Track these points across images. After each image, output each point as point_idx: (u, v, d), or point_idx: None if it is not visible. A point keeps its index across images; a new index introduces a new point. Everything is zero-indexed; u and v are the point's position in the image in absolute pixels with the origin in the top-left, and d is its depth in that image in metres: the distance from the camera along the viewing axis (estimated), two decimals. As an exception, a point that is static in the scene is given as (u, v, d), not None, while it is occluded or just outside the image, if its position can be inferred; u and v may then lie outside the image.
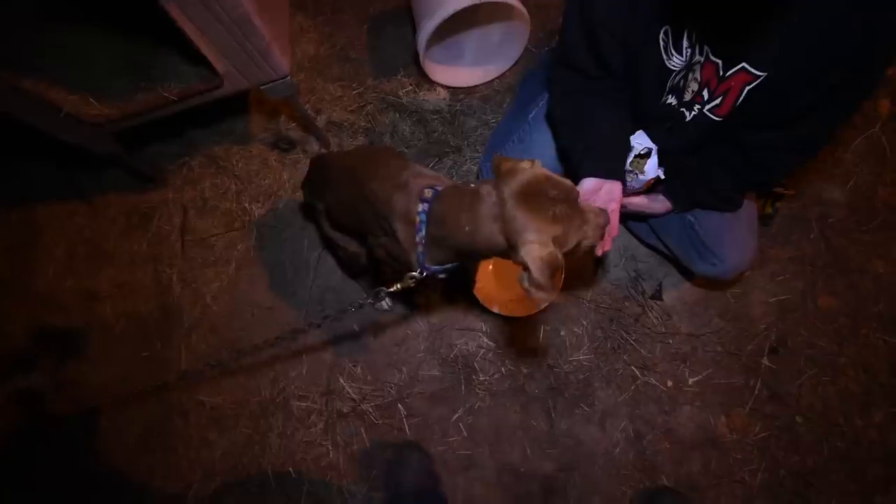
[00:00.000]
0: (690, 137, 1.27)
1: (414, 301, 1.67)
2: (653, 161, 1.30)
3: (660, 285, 1.60)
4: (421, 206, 1.01)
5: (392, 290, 1.10)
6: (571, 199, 0.93)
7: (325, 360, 1.71)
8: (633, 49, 1.17)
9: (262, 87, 1.60)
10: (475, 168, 1.82)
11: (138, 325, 1.85)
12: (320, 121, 1.92)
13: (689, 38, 1.08)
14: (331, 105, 1.96)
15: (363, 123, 1.91)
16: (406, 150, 1.88)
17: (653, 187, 1.39)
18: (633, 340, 1.57)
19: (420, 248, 1.04)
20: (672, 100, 1.23)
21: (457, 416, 1.59)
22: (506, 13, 1.89)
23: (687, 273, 1.60)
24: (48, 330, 1.91)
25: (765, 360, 1.53)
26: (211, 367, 1.68)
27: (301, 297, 1.78)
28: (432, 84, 1.92)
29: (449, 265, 1.08)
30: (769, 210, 1.60)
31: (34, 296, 1.94)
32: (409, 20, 2.08)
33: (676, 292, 1.61)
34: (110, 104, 1.57)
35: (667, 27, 1.09)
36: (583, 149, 1.25)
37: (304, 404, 1.68)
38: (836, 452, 1.46)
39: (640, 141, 1.32)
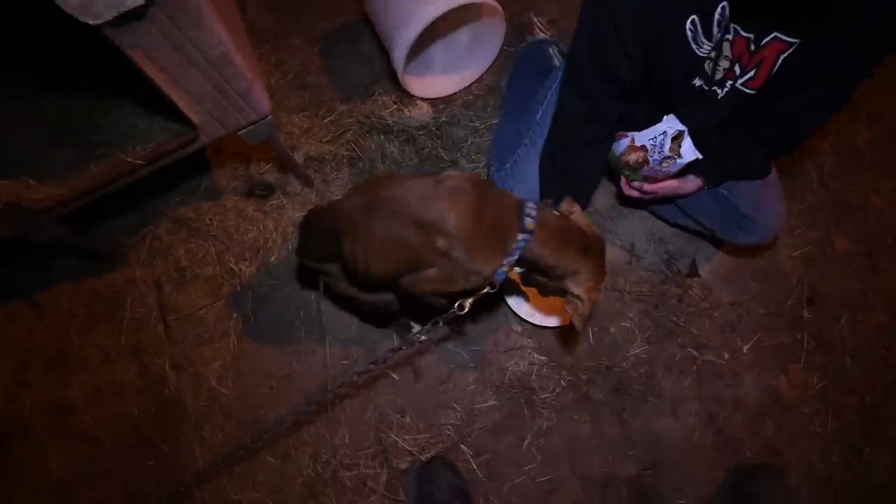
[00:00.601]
0: (722, 114, 1.26)
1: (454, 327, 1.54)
2: (688, 143, 1.27)
3: (693, 262, 1.60)
4: (521, 237, 1.04)
5: (466, 307, 1.12)
6: None
7: (368, 419, 1.54)
8: (658, 45, 1.15)
9: (239, 133, 1.41)
10: (477, 179, 1.72)
11: (132, 431, 1.57)
12: (297, 158, 1.73)
13: (719, 24, 1.07)
14: (301, 139, 1.78)
15: (346, 152, 1.75)
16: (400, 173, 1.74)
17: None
18: (683, 322, 1.55)
19: (505, 268, 1.06)
20: (699, 81, 1.21)
21: (527, 442, 1.49)
22: (474, 14, 1.80)
23: (717, 244, 1.62)
24: (13, 463, 1.57)
25: (805, 312, 1.57)
26: (234, 454, 1.48)
27: (320, 356, 1.60)
28: (411, 98, 1.79)
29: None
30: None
31: (-18, 428, 1.59)
32: (362, 35, 1.94)
33: (710, 265, 1.61)
34: (57, 183, 1.30)
35: (694, 17, 1.07)
36: (574, 180, 1.37)
37: (356, 472, 1.50)
38: (889, 385, 1.53)
39: (671, 124, 1.28)
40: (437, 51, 1.89)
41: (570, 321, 1.48)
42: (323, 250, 1.25)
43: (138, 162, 1.28)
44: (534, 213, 1.06)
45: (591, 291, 1.11)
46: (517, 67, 1.75)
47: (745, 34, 1.07)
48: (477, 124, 1.79)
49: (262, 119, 1.39)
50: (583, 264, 1.10)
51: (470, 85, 1.86)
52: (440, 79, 1.84)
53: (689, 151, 1.27)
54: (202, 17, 1.05)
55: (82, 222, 1.44)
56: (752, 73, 1.14)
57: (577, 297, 1.11)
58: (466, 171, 1.75)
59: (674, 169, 1.33)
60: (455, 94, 1.84)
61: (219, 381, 1.58)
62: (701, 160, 1.31)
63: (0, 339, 1.68)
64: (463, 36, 1.88)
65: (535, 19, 1.82)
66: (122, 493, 1.53)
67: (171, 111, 1.33)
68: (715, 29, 1.07)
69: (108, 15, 0.91)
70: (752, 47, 1.09)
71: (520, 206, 1.07)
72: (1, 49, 1.41)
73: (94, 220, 1.65)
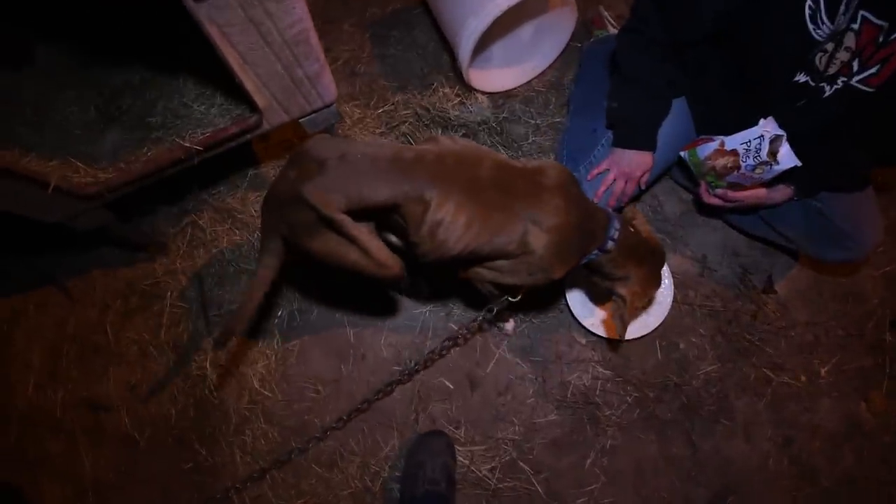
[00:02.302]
0: (826, 115, 1.16)
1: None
2: (786, 148, 1.18)
3: (770, 277, 1.51)
4: (596, 253, 1.07)
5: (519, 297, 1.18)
6: None
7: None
8: (764, 23, 1.06)
9: (301, 120, 1.32)
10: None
11: (170, 431, 1.49)
12: (350, 149, 1.64)
13: (848, 3, 0.97)
14: (354, 129, 1.69)
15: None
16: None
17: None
18: (757, 340, 1.46)
19: (580, 262, 1.09)
20: (803, 77, 1.11)
21: (589, 460, 1.41)
22: (539, 8, 1.71)
23: (795, 257, 1.53)
24: (45, 460, 1.49)
25: (888, 336, 1.48)
26: (279, 462, 1.40)
27: (371, 360, 1.51)
28: (471, 92, 1.70)
29: None
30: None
31: (15, 422, 1.51)
32: (417, 22, 1.85)
33: (786, 281, 1.52)
34: (108, 167, 1.21)
35: None
36: (647, 116, 1.31)
37: (406, 485, 1.42)
38: (975, 415, 1.45)
39: (769, 128, 1.19)
40: (496, 44, 1.79)
41: (635, 335, 1.44)
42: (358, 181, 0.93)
43: (196, 148, 1.19)
44: (617, 234, 1.07)
45: (636, 296, 1.14)
46: (585, 63, 1.64)
47: (877, 21, 0.97)
48: (538, 122, 1.70)
49: (327, 106, 1.30)
50: (636, 272, 1.13)
51: (530, 81, 1.76)
52: (501, 72, 1.74)
53: (787, 158, 1.18)
54: (287, -8, 0.96)
55: (121, 208, 1.35)
56: (874, 70, 1.03)
57: (622, 297, 1.14)
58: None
59: (768, 176, 1.24)
60: (514, 89, 1.75)
61: (262, 383, 1.50)
62: (795, 169, 1.22)
63: (30, 329, 1.60)
64: (525, 30, 1.78)
65: (606, 13, 1.73)
66: (160, 496, 1.44)
67: (231, 93, 1.25)
68: (842, 7, 0.97)
69: (194, -17, 0.82)
70: (881, 39, 0.99)
71: (608, 224, 1.07)
72: (46, 16, 1.32)
73: (132, 205, 1.56)
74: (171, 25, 1.22)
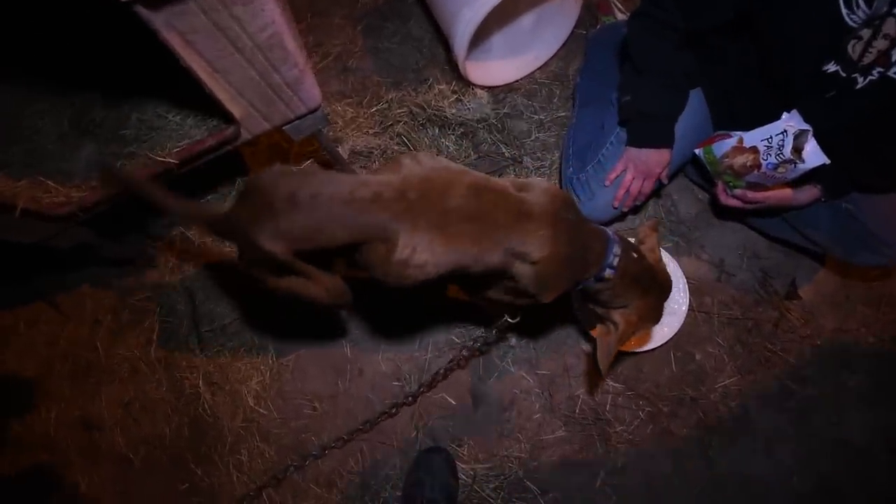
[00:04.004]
0: (858, 109, 1.05)
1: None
2: (812, 145, 1.07)
3: (793, 281, 1.41)
4: (591, 281, 0.97)
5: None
6: None
7: (420, 447, 1.39)
8: (793, 8, 0.95)
9: (285, 128, 1.23)
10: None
11: (165, 450, 1.44)
12: (342, 152, 1.55)
13: None
14: (346, 130, 1.60)
15: (396, 146, 1.57)
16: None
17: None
18: (780, 350, 1.37)
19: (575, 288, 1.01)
20: (833, 67, 1.00)
21: (600, 479, 1.34)
22: (540, -6, 1.59)
23: (820, 260, 1.42)
24: (39, 480, 1.46)
25: (923, 342, 1.38)
26: (276, 480, 1.35)
27: (369, 376, 1.44)
28: (469, 87, 1.59)
29: None
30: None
31: (8, 442, 1.47)
32: (410, 13, 1.74)
33: (811, 286, 1.42)
34: (79, 186, 1.14)
35: None
36: (664, 110, 1.22)
37: (408, 505, 1.36)
38: None
39: (792, 123, 1.08)
40: (496, 34, 1.68)
41: (648, 346, 1.35)
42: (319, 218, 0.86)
43: (172, 162, 1.11)
44: (616, 261, 0.97)
45: (630, 326, 1.03)
46: (591, 52, 1.53)
47: None
48: (542, 117, 1.59)
49: (312, 112, 1.21)
50: (637, 302, 1.03)
51: (532, 72, 1.65)
52: (501, 63, 1.64)
53: (813, 155, 1.07)
54: (253, -7, 0.86)
55: (105, 222, 1.28)
56: None
57: (614, 322, 1.03)
58: (533, 171, 1.55)
59: (791, 176, 1.13)
60: (516, 82, 1.64)
61: (257, 401, 1.44)
62: (824, 168, 1.10)
63: (21, 346, 1.56)
64: (526, 18, 1.66)
65: (613, -3, 1.60)
66: (155, 517, 1.41)
67: (207, 103, 1.17)
68: None
69: (141, -10, 0.74)
70: None
71: (605, 250, 0.96)
72: (14, 30, 1.24)
73: (115, 220, 1.49)
74: (141, 31, 1.14)
